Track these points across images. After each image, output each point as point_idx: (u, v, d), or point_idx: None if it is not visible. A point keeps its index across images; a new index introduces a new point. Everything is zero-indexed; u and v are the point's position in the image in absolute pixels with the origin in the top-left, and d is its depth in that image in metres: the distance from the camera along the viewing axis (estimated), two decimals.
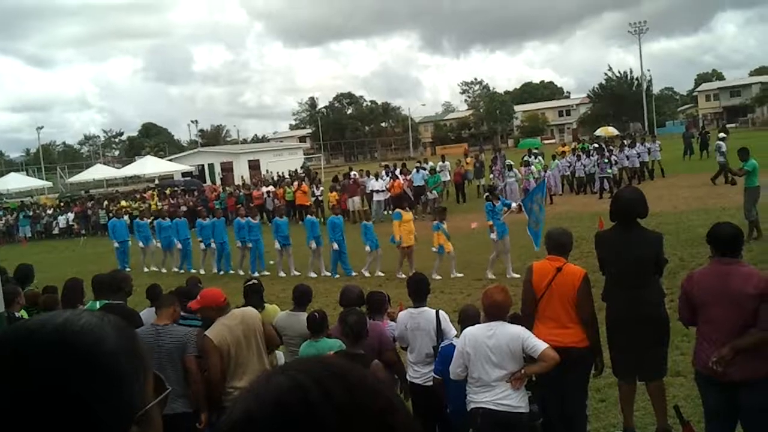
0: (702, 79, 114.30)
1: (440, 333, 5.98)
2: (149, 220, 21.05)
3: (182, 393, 5.62)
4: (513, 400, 5.01)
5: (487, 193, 15.31)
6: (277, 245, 16.88)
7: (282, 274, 16.91)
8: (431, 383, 5.75)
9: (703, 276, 5.19)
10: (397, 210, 15.56)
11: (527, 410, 5.12)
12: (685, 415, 5.88)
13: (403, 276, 14.40)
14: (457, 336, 5.55)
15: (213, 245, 18.20)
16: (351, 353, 5.02)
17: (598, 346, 5.71)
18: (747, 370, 4.82)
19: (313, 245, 16.40)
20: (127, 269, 19.57)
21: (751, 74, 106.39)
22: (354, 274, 15.97)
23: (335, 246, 15.97)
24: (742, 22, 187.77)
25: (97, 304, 6.83)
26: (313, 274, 16.41)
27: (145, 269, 19.81)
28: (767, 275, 5.05)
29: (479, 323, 5.47)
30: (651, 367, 5.92)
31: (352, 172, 29.85)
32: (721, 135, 26.71)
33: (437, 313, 6.12)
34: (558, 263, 5.73)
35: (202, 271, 18.15)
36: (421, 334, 6.06)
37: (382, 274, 15.76)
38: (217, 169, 60.62)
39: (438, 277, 14.07)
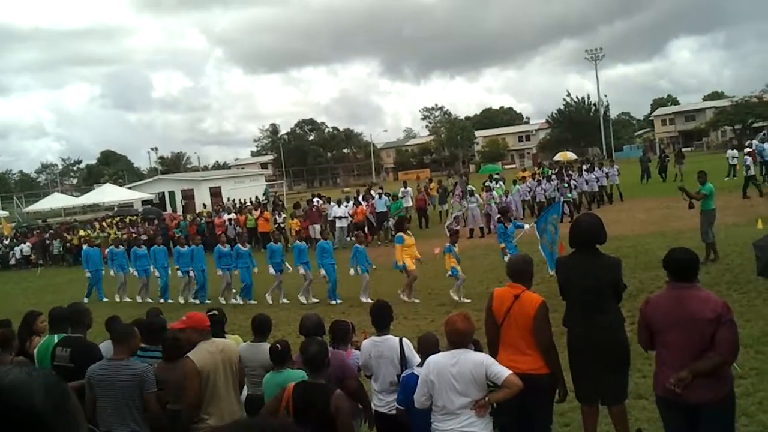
0: (657, 104, 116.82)
1: (404, 361, 5.96)
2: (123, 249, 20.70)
3: (139, 431, 5.51)
4: (478, 428, 5.00)
5: (498, 215, 15.16)
6: (271, 270, 16.64)
7: (283, 300, 16.58)
8: (396, 412, 5.72)
9: (660, 301, 5.27)
10: (399, 234, 15.28)
11: None
12: None
13: (417, 301, 14.59)
14: (420, 364, 5.53)
15: (192, 273, 18.03)
16: (313, 383, 4.98)
17: (559, 372, 5.73)
18: (706, 394, 4.90)
19: (302, 270, 16.19)
20: (104, 299, 19.36)
21: (705, 99, 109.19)
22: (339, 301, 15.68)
23: (322, 272, 15.82)
24: (696, 48, 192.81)
25: (55, 338, 6.68)
26: (304, 300, 16.15)
27: (117, 299, 19.44)
28: (723, 299, 5.16)
29: (439, 350, 5.48)
30: (612, 391, 5.97)
31: (315, 199, 29.82)
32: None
33: (401, 340, 6.11)
34: (516, 291, 5.77)
35: (181, 300, 17.95)
36: (385, 362, 6.04)
37: (316, 300, 15.87)
38: (178, 197, 60.06)
39: (467, 300, 13.95)
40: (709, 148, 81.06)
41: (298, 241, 17.06)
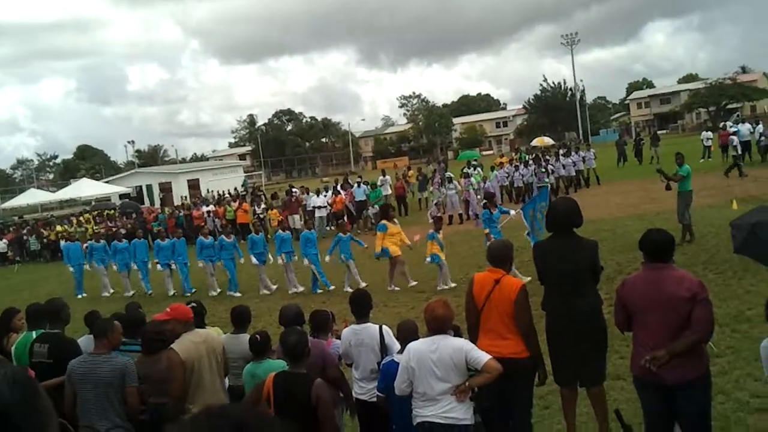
0: (633, 87, 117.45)
1: (384, 348, 5.98)
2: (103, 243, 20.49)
3: (122, 425, 5.50)
4: (458, 413, 5.03)
5: (484, 201, 15.03)
6: (254, 261, 16.61)
7: (265, 291, 16.55)
8: (376, 399, 5.75)
9: (637, 282, 5.33)
10: (383, 222, 15.24)
11: (472, 422, 5.15)
12: (626, 419, 6.01)
13: (415, 283, 14.69)
14: (400, 351, 5.55)
15: (174, 266, 17.97)
16: (294, 373, 4.98)
17: (539, 356, 5.77)
18: (682, 373, 4.96)
19: (280, 260, 16.19)
20: (84, 295, 19.18)
21: (680, 82, 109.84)
22: (332, 287, 15.71)
23: (306, 261, 15.85)
24: (671, 31, 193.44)
25: (33, 334, 6.63)
26: (294, 289, 16.13)
27: (105, 294, 19.28)
28: (698, 279, 5.22)
29: (418, 337, 5.50)
30: (591, 373, 6.03)
31: (294, 189, 29.76)
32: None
33: (380, 328, 6.13)
34: (497, 275, 5.80)
35: (172, 292, 17.83)
36: (365, 350, 6.05)
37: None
38: (156, 190, 59.66)
39: (449, 286, 14.00)
40: (684, 131, 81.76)
41: (280, 231, 16.99)
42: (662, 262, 5.20)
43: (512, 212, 15.21)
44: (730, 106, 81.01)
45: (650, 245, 5.27)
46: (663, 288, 5.06)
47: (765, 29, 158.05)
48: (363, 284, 14.77)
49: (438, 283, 14.18)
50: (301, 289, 16.10)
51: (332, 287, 15.64)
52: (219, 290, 17.07)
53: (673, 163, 15.62)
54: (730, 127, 33.09)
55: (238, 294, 16.67)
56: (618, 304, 5.42)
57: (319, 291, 15.65)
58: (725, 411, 6.74)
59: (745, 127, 31.22)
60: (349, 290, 14.62)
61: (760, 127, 30.46)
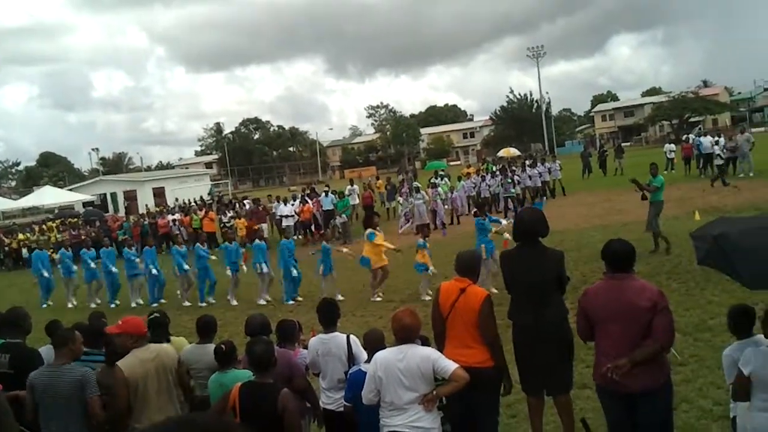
0: (598, 100, 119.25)
1: (352, 358, 5.96)
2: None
3: None
4: (426, 422, 5.02)
5: (475, 209, 14.74)
6: (229, 272, 16.39)
7: (234, 302, 16.26)
8: (343, 409, 5.72)
9: (598, 292, 5.40)
10: (371, 230, 14.86)
11: (440, 431, 5.15)
12: (592, 427, 6.06)
13: (379, 299, 14.49)
14: (367, 360, 5.53)
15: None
16: (260, 383, 4.94)
17: (504, 366, 5.79)
18: (644, 381, 5.04)
19: (264, 269, 15.96)
20: (49, 304, 18.82)
21: (643, 95, 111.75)
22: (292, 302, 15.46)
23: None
24: (636, 44, 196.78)
25: None
26: (263, 301, 15.89)
27: (69, 305, 18.89)
28: (659, 288, 5.30)
29: (385, 346, 5.49)
30: (557, 382, 6.08)
31: (245, 201, 29.70)
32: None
33: (348, 338, 6.11)
34: (462, 284, 5.82)
35: (140, 301, 17.59)
36: (333, 359, 6.03)
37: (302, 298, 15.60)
38: (121, 198, 59.04)
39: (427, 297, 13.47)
40: (648, 143, 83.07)
41: (258, 240, 16.77)
42: (623, 272, 5.27)
43: (504, 222, 14.99)
44: (692, 119, 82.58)
45: (612, 255, 5.35)
46: (624, 297, 5.13)
47: (726, 44, 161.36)
48: (339, 297, 14.57)
49: (422, 293, 13.94)
50: (266, 300, 15.93)
51: (292, 302, 15.40)
52: (235, 302, 16.47)
53: (636, 174, 15.84)
54: (693, 140, 33.70)
55: (205, 304, 16.51)
56: (580, 313, 5.49)
57: (292, 302, 15.46)
58: (689, 419, 6.83)
59: (706, 140, 31.80)
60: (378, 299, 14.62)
61: (722, 140, 31.03)
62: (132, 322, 5.81)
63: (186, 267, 17.03)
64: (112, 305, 17.88)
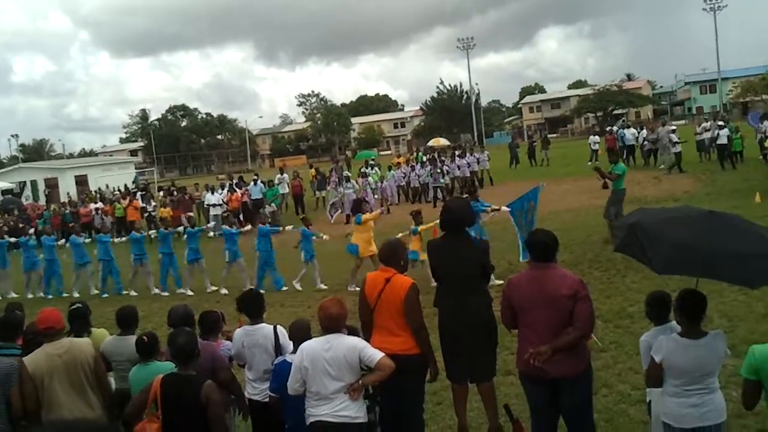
0: (526, 92, 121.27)
1: (279, 348, 5.91)
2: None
3: (7, 429, 5.22)
4: (351, 411, 5.02)
5: (466, 194, 14.20)
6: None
7: (190, 292, 15.69)
8: (269, 400, 5.67)
9: (521, 281, 5.50)
10: (360, 215, 14.39)
11: (366, 419, 5.15)
12: (514, 413, 6.18)
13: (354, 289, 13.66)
14: (293, 351, 5.49)
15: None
16: (182, 375, 4.85)
17: (430, 353, 5.84)
18: (565, 367, 5.17)
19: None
20: None
21: (570, 87, 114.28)
22: (285, 288, 14.89)
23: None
24: (563, 37, 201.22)
25: None
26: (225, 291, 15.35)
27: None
28: (579, 277, 5.44)
29: (311, 336, 5.46)
30: (481, 369, 6.16)
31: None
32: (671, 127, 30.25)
33: (275, 328, 6.05)
34: (388, 274, 5.83)
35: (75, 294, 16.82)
36: (259, 350, 5.97)
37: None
38: (41, 186, 57.17)
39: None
40: (573, 135, 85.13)
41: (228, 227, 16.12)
42: (546, 262, 5.38)
43: (495, 208, 14.08)
44: (616, 112, 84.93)
45: (534, 245, 5.46)
46: (546, 286, 5.24)
47: (649, 38, 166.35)
48: (322, 285, 14.39)
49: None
50: (213, 289, 15.59)
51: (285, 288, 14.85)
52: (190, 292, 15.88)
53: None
54: (616, 131, 34.62)
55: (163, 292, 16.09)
56: (504, 302, 5.58)
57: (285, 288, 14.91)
58: (608, 403, 7.03)
59: (630, 132, 32.74)
60: (299, 288, 14.42)
61: (644, 132, 31.99)
62: (48, 315, 5.62)
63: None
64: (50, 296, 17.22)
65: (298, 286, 14.60)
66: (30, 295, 17.40)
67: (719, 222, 5.05)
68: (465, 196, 13.93)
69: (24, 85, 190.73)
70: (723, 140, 27.12)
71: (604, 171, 15.56)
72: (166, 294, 15.86)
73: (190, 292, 15.59)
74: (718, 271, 4.78)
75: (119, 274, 16.96)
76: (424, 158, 32.18)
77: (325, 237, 15.44)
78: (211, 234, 16.66)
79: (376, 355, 5.02)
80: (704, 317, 4.87)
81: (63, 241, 18.96)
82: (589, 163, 34.07)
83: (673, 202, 18.26)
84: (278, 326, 6.12)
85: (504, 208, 13.92)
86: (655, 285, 8.27)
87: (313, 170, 32.15)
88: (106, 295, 16.37)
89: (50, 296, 16.97)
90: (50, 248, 17.52)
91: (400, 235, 13.01)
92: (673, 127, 31.31)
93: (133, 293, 16.38)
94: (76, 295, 16.30)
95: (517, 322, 5.50)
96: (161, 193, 32.79)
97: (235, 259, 15.25)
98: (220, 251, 15.91)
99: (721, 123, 28.83)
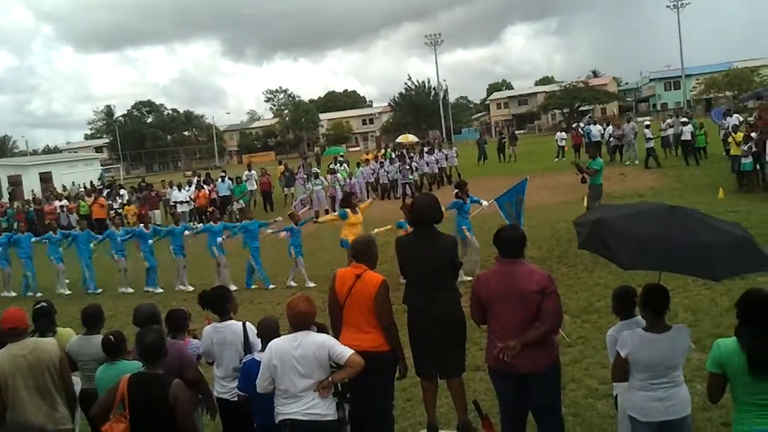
0: (493, 88, 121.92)
1: (248, 346, 5.88)
2: None
3: None
4: (321, 409, 5.01)
5: (456, 190, 14.15)
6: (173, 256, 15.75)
7: (190, 288, 15.38)
8: (237, 398, 5.64)
9: (490, 276, 5.54)
10: (344, 209, 14.17)
11: (335, 417, 5.14)
12: (483, 409, 6.22)
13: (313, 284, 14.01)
14: (262, 349, 5.46)
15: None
16: (150, 374, 4.80)
17: (399, 350, 5.85)
18: (533, 362, 5.22)
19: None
20: None
21: (537, 84, 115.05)
22: (272, 286, 14.75)
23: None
24: (530, 34, 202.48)
25: None
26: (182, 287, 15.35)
27: None
28: (547, 272, 5.48)
29: (279, 334, 5.43)
30: (450, 365, 6.17)
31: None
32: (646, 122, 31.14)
33: (244, 325, 6.02)
34: (359, 270, 5.82)
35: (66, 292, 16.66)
36: (228, 348, 5.93)
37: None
38: (4, 184, 56.09)
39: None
40: (541, 131, 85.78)
41: (208, 223, 16.17)
42: (514, 257, 5.42)
43: (485, 203, 14.44)
44: (582, 108, 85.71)
45: (502, 241, 5.50)
46: (514, 282, 5.29)
47: (615, 36, 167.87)
48: (311, 283, 14.23)
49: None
50: (191, 288, 15.26)
51: (272, 286, 14.75)
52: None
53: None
54: (583, 128, 34.95)
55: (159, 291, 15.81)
56: (473, 298, 5.61)
57: (254, 286, 14.85)
58: (576, 398, 7.11)
59: (596, 129, 33.06)
60: (293, 284, 14.32)
61: (610, 129, 32.34)
62: (12, 315, 5.53)
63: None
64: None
65: (292, 284, 14.54)
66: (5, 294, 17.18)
67: (680, 216, 5.14)
68: (455, 191, 13.97)
69: None
70: (687, 136, 27.54)
71: (582, 166, 15.78)
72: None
73: (190, 288, 15.29)
74: (681, 265, 4.87)
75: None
76: (393, 155, 32.21)
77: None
78: (187, 233, 16.39)
79: (345, 352, 5.01)
80: (668, 311, 4.94)
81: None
82: (556, 159, 34.39)
83: (638, 198, 18.47)
84: (247, 323, 6.09)
85: (486, 202, 14.29)
86: (621, 280, 8.39)
87: (281, 166, 32.03)
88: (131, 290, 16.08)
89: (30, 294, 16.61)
90: (28, 248, 17.22)
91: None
92: (648, 123, 31.79)
93: (129, 290, 16.15)
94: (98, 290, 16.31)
95: (486, 318, 5.54)
96: (123, 192, 32.27)
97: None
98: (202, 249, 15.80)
99: (684, 119, 29.22)
